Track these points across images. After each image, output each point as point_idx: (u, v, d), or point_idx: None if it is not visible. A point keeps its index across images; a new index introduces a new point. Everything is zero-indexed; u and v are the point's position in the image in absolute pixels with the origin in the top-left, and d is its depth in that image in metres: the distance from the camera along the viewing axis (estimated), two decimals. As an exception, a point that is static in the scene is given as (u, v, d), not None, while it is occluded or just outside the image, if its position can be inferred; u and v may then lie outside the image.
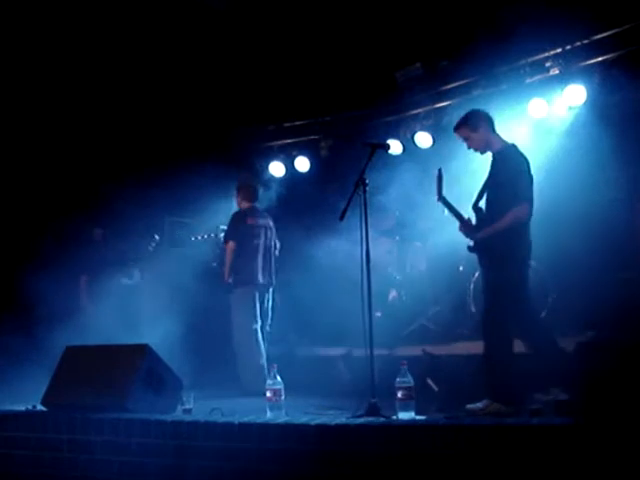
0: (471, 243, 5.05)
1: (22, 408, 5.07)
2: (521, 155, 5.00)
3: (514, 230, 4.80)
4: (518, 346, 4.92)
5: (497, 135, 5.15)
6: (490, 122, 5.15)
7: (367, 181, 4.72)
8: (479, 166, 6.68)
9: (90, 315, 6.93)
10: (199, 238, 8.42)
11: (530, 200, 4.85)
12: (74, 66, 7.49)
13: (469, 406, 4.68)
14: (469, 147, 5.17)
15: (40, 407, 4.98)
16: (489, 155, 5.19)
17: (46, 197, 7.66)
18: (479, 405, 4.65)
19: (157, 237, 7.24)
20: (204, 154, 8.31)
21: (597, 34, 6.85)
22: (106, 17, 7.15)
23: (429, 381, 5.78)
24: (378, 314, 6.91)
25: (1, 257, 7.30)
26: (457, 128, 5.20)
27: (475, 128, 5.08)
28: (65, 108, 7.67)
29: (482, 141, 5.10)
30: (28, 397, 5.22)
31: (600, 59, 6.85)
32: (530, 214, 4.85)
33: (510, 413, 4.33)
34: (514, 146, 5.08)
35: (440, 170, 5.07)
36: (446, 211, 5.35)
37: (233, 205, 8.01)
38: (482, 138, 5.09)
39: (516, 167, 4.90)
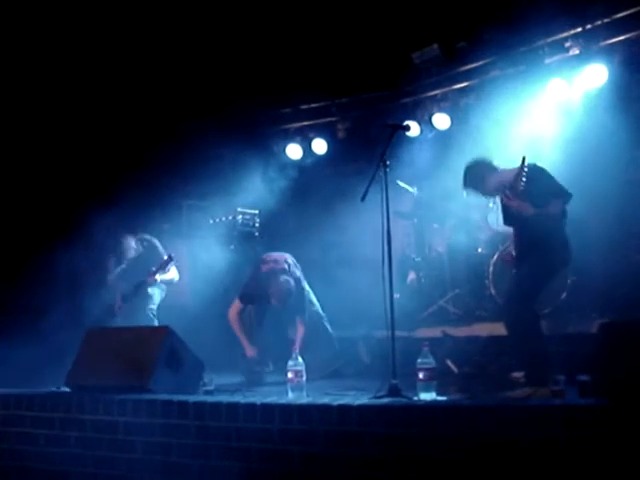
0: None
1: (46, 389, 5.13)
2: None
3: None
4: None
5: None
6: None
7: (387, 162, 4.70)
8: (495, 146, 6.70)
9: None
10: (217, 221, 8.45)
11: None
12: (94, 54, 7.52)
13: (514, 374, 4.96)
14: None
15: (64, 388, 5.04)
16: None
17: (64, 185, 7.69)
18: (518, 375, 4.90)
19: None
20: (221, 138, 8.31)
21: (618, 12, 6.75)
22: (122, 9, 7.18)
23: (449, 362, 5.78)
24: (397, 296, 6.90)
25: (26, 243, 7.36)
26: None
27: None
28: (84, 94, 7.69)
29: None
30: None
31: (621, 38, 6.76)
32: None
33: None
34: None
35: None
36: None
37: (250, 188, 8.05)
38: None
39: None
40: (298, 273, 6.57)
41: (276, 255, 6.65)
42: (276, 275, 6.34)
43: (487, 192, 5.39)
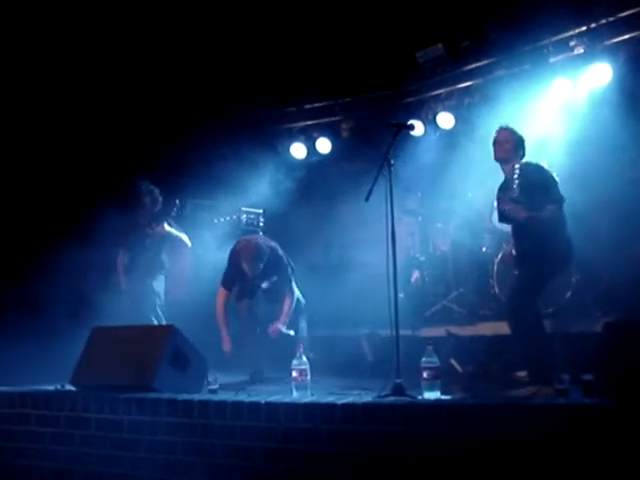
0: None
1: (51, 388, 5.15)
2: None
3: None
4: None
5: None
6: None
7: (392, 161, 4.70)
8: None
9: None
10: (221, 220, 8.45)
11: None
12: (96, 53, 7.53)
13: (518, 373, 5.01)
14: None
15: (68, 386, 5.05)
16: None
17: (69, 183, 7.71)
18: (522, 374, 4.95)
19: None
20: (225, 137, 8.33)
21: (623, 11, 6.73)
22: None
23: (453, 362, 5.78)
24: (400, 295, 6.91)
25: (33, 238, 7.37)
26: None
27: None
28: (87, 93, 7.71)
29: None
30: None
31: (626, 37, 6.73)
32: None
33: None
34: None
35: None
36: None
37: (254, 187, 8.04)
38: None
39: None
40: (273, 244, 6.49)
41: (250, 235, 6.78)
42: (247, 243, 6.38)
43: (509, 156, 5.23)
